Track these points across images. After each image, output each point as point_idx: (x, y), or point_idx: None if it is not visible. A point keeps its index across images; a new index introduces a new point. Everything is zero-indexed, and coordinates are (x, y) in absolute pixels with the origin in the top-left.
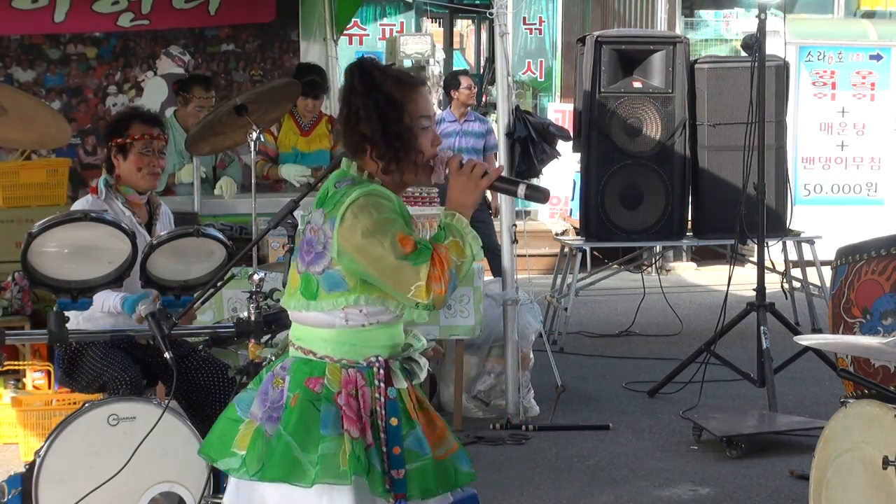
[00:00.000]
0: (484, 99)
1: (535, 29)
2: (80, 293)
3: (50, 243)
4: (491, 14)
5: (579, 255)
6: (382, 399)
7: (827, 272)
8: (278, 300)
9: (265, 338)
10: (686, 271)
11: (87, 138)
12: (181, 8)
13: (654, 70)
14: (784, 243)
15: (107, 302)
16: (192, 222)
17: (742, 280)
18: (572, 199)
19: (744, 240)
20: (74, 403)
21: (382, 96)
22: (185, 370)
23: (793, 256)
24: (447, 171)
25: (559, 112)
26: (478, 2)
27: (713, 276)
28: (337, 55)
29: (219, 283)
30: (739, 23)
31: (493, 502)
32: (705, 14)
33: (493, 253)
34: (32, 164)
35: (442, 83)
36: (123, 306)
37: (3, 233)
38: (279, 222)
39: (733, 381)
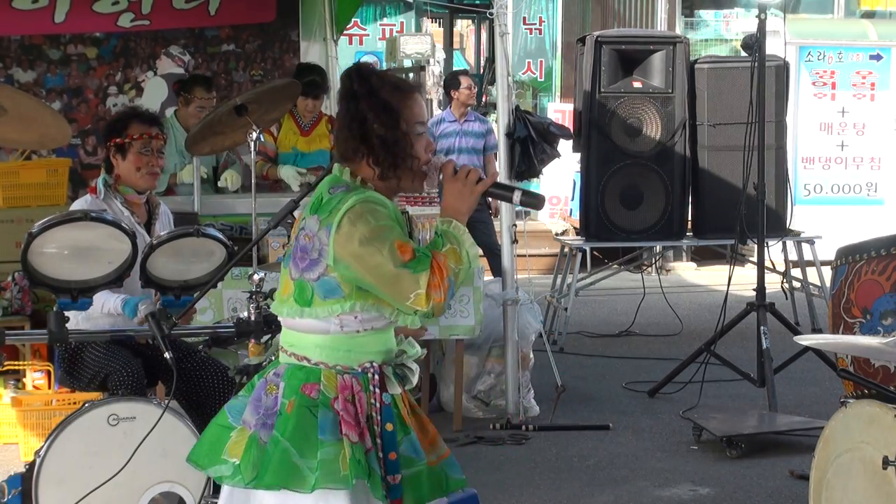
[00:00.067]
0: (484, 99)
1: (535, 29)
2: (80, 293)
3: (50, 243)
4: (491, 14)
5: (579, 255)
6: (378, 405)
7: (827, 272)
8: None
9: (265, 338)
10: (686, 271)
11: (87, 139)
12: (181, 8)
13: (654, 70)
14: (784, 243)
15: (107, 304)
16: (192, 222)
17: (742, 280)
18: (572, 199)
19: (744, 240)
20: (74, 403)
21: (380, 102)
22: (186, 371)
23: (793, 256)
24: (441, 176)
25: (559, 112)
26: (478, 2)
27: (713, 276)
28: (337, 55)
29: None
30: (739, 23)
31: (493, 502)
32: (705, 14)
33: (493, 253)
34: (32, 164)
35: (442, 83)
36: (125, 309)
37: (3, 233)
38: (279, 222)
39: (733, 381)
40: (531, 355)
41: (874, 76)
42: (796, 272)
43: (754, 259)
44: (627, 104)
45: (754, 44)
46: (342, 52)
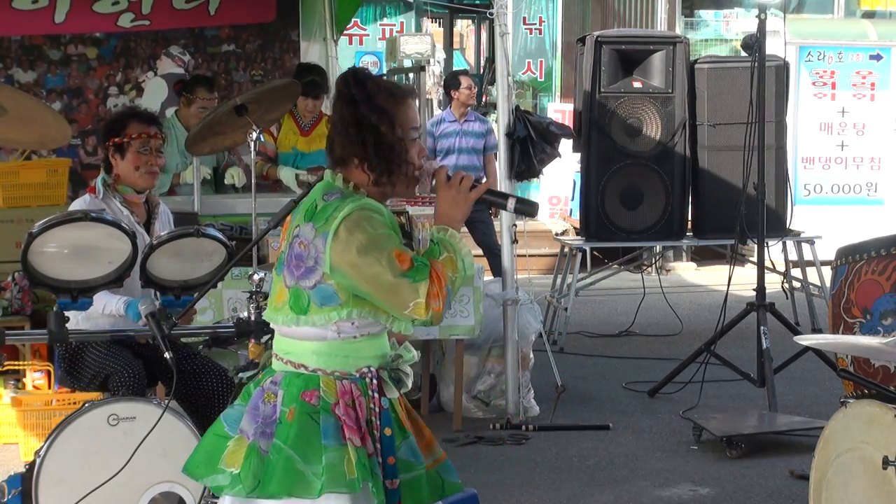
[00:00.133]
0: (484, 99)
1: (535, 29)
2: (80, 293)
3: (50, 243)
4: (491, 14)
5: (579, 255)
6: (377, 409)
7: (827, 272)
8: None
9: (265, 338)
10: (686, 271)
11: (87, 139)
12: (181, 8)
13: (654, 70)
14: (784, 243)
15: (109, 305)
16: (192, 222)
17: (742, 280)
18: (572, 199)
19: (744, 240)
20: (74, 403)
21: (377, 108)
22: (186, 372)
23: (793, 256)
24: (434, 182)
25: (559, 112)
26: (478, 2)
27: (713, 276)
28: (337, 55)
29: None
30: (739, 23)
31: (493, 502)
32: (705, 14)
33: (493, 253)
34: (32, 164)
35: (442, 83)
36: (128, 312)
37: (3, 233)
38: (279, 222)
39: (733, 381)
40: (531, 355)
41: (874, 76)
42: (796, 272)
43: (754, 259)
44: (627, 104)
45: (754, 44)
46: (342, 52)
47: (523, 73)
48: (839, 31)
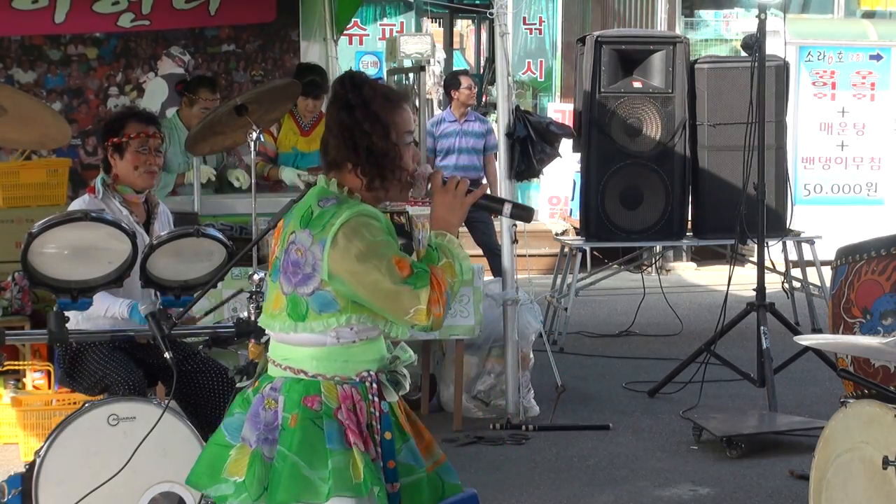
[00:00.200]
0: (484, 99)
1: (535, 29)
2: (80, 293)
3: (50, 243)
4: (491, 14)
5: (579, 255)
6: (377, 413)
7: (827, 272)
8: None
9: (265, 338)
10: (686, 271)
11: (87, 139)
12: (181, 8)
13: (654, 70)
14: (784, 243)
15: (112, 308)
16: (192, 222)
17: (742, 280)
18: (572, 199)
19: (744, 240)
20: (74, 403)
21: (372, 113)
22: (186, 373)
23: (793, 256)
24: (429, 186)
25: (559, 112)
26: (478, 2)
27: (713, 276)
28: (337, 55)
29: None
30: (739, 23)
31: (493, 502)
32: (705, 14)
33: (493, 253)
34: (32, 164)
35: (442, 83)
36: (132, 316)
37: (3, 233)
38: (279, 222)
39: (733, 381)
40: (531, 355)
41: (874, 76)
42: (796, 272)
43: (754, 259)
44: (627, 104)
45: (754, 44)
46: (342, 52)
47: (523, 73)
48: (839, 31)
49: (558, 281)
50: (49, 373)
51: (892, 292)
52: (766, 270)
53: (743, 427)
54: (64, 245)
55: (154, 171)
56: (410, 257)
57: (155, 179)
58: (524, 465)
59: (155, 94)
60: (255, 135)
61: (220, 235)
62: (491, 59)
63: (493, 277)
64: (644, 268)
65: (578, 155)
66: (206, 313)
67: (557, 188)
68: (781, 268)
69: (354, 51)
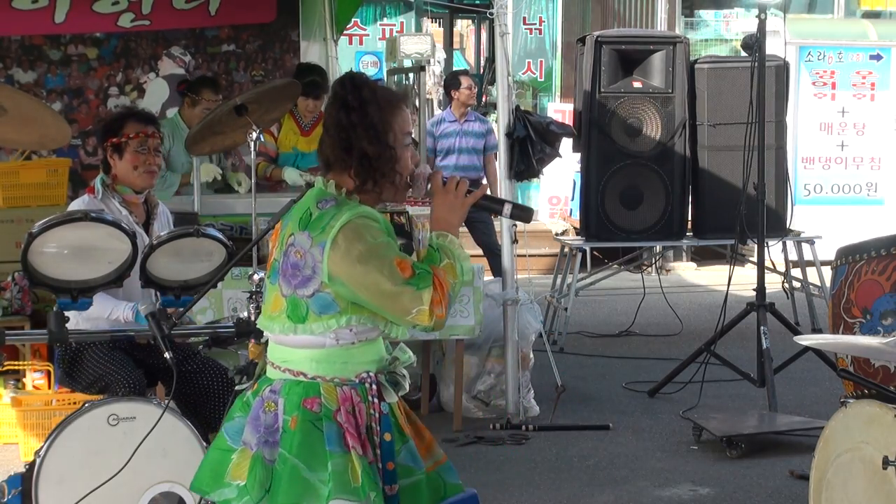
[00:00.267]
0: (484, 99)
1: (535, 29)
2: (80, 293)
3: (50, 243)
4: (491, 14)
5: (579, 255)
6: (377, 415)
7: (827, 272)
8: None
9: (265, 338)
10: (686, 271)
11: (88, 139)
12: (181, 8)
13: (654, 70)
14: (784, 243)
15: (116, 311)
16: (192, 222)
17: (742, 280)
18: (572, 199)
19: (744, 240)
20: (74, 403)
21: (369, 117)
22: (185, 373)
23: (793, 256)
24: (429, 186)
25: (559, 112)
26: (478, 2)
27: (713, 276)
28: (337, 55)
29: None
30: (739, 23)
31: (493, 502)
32: (705, 14)
33: (493, 253)
34: (32, 164)
35: (442, 83)
36: (137, 318)
37: (3, 233)
38: (278, 222)
39: (733, 381)
40: (531, 355)
41: (874, 76)
42: (796, 272)
43: (754, 259)
44: (627, 104)
45: (754, 44)
46: (342, 52)
47: (523, 73)
48: (839, 31)
49: (558, 281)
50: (49, 373)
51: (892, 292)
52: (766, 270)
53: (743, 427)
54: (64, 245)
55: (153, 171)
56: (412, 258)
57: (154, 179)
58: (524, 465)
59: (155, 94)
60: (254, 135)
61: (220, 235)
62: (491, 59)
63: (493, 277)
64: (644, 268)
65: (578, 155)
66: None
67: (557, 188)
68: (781, 268)
69: (354, 51)
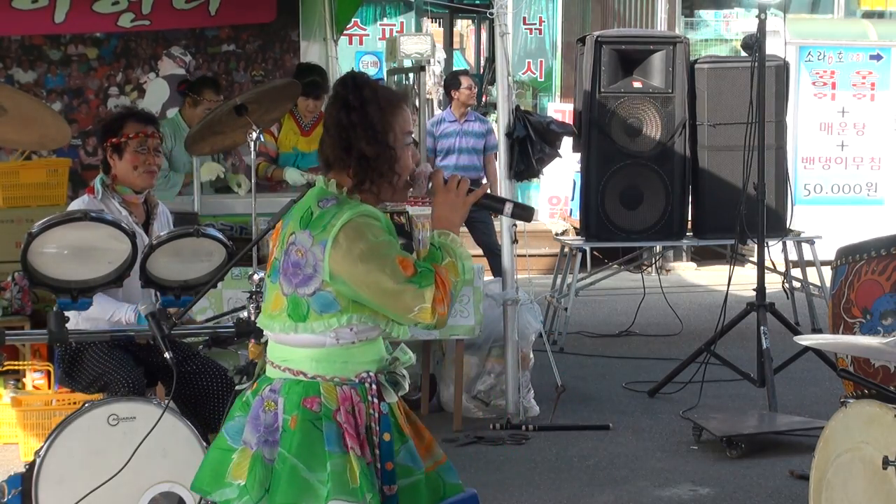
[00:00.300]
0: (484, 99)
1: (535, 29)
2: (80, 293)
3: (50, 243)
4: (491, 14)
5: (579, 255)
6: (376, 415)
7: (827, 272)
8: None
9: (265, 338)
10: (686, 271)
11: (88, 139)
12: (181, 8)
13: (654, 70)
14: (784, 243)
15: (118, 313)
16: (192, 222)
17: (742, 280)
18: (572, 199)
19: (744, 240)
20: (74, 403)
21: (368, 118)
22: (185, 373)
23: (793, 256)
24: (430, 185)
25: (559, 112)
26: (478, 2)
27: (713, 276)
28: (337, 55)
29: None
30: (739, 23)
31: (493, 502)
32: (705, 14)
33: (493, 253)
34: (32, 164)
35: (442, 83)
36: (140, 321)
37: (3, 233)
38: (278, 222)
39: (733, 381)
40: (531, 355)
41: (874, 76)
42: (796, 272)
43: (754, 259)
44: (627, 104)
45: (754, 44)
46: (342, 52)
47: (523, 73)
48: (839, 31)
49: (558, 281)
50: (49, 373)
51: (892, 292)
52: (766, 270)
53: (743, 427)
54: (64, 245)
55: (153, 171)
56: (413, 257)
57: (154, 179)
58: (524, 465)
59: (155, 94)
60: (254, 135)
61: (220, 235)
62: (491, 59)
63: (493, 277)
64: (644, 268)
65: (578, 155)
66: (208, 321)
67: (557, 188)
68: (781, 268)
69: (354, 51)
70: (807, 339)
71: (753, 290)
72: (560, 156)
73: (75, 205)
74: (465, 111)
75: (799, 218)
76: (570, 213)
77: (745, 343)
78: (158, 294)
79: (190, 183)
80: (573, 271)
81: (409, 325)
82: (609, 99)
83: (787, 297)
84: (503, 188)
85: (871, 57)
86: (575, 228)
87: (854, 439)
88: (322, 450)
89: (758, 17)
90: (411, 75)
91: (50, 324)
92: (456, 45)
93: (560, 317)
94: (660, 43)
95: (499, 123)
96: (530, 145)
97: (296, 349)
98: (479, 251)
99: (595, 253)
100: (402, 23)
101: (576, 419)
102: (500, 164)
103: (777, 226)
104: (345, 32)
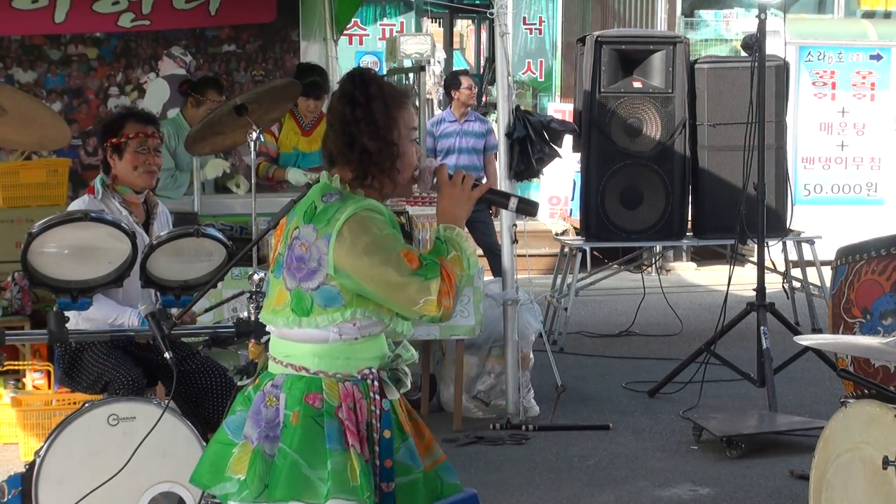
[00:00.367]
0: (484, 99)
1: (535, 29)
2: (80, 293)
3: (50, 243)
4: (491, 14)
5: (579, 255)
6: (378, 411)
7: (827, 272)
8: None
9: (265, 338)
10: (686, 271)
11: (88, 139)
12: (182, 8)
13: (654, 70)
14: (784, 243)
15: (121, 317)
16: (192, 222)
17: (742, 280)
18: (572, 199)
19: (744, 240)
20: (74, 403)
21: (373, 115)
22: (185, 373)
23: (793, 256)
24: (435, 180)
25: (559, 112)
26: (478, 2)
27: (713, 276)
28: (337, 55)
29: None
30: (739, 23)
31: (493, 502)
32: (705, 14)
33: (493, 253)
34: (32, 164)
35: (442, 83)
36: (143, 325)
37: (3, 233)
38: (279, 222)
39: (733, 381)
40: (531, 355)
41: (874, 76)
42: (796, 272)
43: (754, 259)
44: (627, 104)
45: (754, 44)
46: (342, 52)
47: (523, 73)
48: (839, 31)
49: (558, 281)
50: (49, 373)
51: (892, 292)
52: (766, 270)
53: (743, 427)
54: (64, 245)
55: (153, 171)
56: (418, 250)
57: (154, 179)
58: (524, 465)
59: (156, 94)
60: (255, 135)
61: (220, 235)
62: (491, 59)
63: (493, 277)
64: (644, 268)
65: (578, 155)
66: (207, 310)
67: (557, 188)
68: (781, 268)
69: (354, 51)
70: (807, 339)
71: (753, 290)
72: (560, 156)
73: (75, 205)
74: (465, 111)
75: (799, 218)
76: (570, 213)
77: (745, 343)
78: (158, 294)
79: (191, 182)
80: (573, 271)
81: (414, 317)
82: (609, 99)
83: (787, 297)
84: (503, 188)
85: (871, 57)
86: (575, 228)
87: (854, 439)
88: (323, 447)
89: (758, 17)
90: (411, 75)
91: (50, 324)
92: (456, 45)
93: (560, 317)
94: (660, 43)
95: (499, 123)
96: (530, 145)
97: (298, 344)
98: (480, 251)
99: (595, 253)
100: (402, 23)
101: (576, 419)
102: (500, 164)
103: (777, 226)
104: (345, 32)
